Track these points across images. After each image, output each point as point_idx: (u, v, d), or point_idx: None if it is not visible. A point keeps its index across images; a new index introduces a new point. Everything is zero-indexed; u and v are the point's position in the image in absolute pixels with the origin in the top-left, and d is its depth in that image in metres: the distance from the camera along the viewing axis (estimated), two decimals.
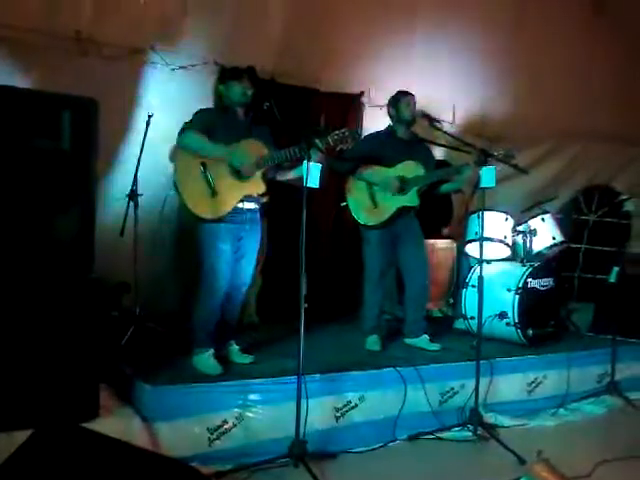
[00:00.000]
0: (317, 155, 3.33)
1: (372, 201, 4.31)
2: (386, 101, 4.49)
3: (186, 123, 3.58)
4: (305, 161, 3.21)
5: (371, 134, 4.54)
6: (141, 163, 4.28)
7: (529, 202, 5.53)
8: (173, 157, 4.44)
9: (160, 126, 4.39)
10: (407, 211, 4.32)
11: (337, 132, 3.43)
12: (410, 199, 4.28)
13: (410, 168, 4.29)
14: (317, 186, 3.23)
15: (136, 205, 4.25)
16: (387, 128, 4.47)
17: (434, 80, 5.67)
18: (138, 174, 4.27)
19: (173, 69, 4.78)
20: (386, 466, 3.35)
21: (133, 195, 4.25)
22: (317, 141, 3.34)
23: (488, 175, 3.72)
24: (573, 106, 6.43)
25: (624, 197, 5.64)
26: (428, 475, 3.31)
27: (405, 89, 4.40)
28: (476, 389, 3.74)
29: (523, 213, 5.28)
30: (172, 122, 4.33)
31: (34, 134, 2.81)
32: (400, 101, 4.34)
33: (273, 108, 3.35)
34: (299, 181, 3.48)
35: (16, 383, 2.71)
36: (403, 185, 4.25)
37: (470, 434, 3.70)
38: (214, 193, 3.51)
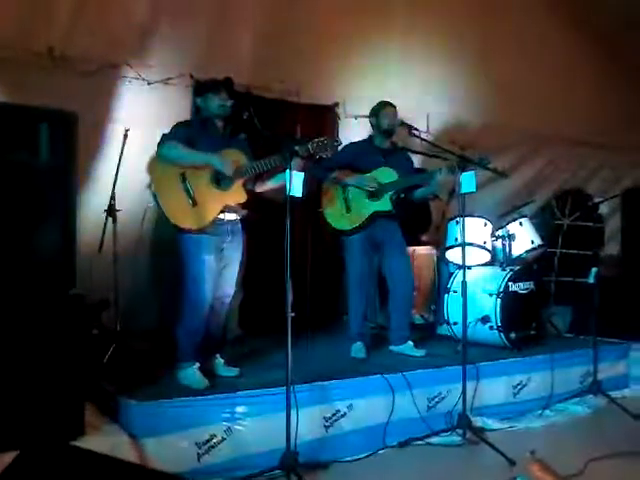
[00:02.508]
0: (297, 163, 3.32)
1: (346, 207, 4.36)
2: (361, 112, 4.52)
3: (165, 134, 3.55)
4: (287, 170, 3.17)
5: (350, 143, 4.56)
6: (119, 178, 4.24)
7: (505, 208, 5.59)
8: (150, 169, 4.41)
9: (137, 141, 4.35)
10: (382, 217, 4.34)
11: (317, 140, 3.42)
12: (383, 204, 4.31)
13: (384, 174, 4.33)
14: (300, 195, 3.18)
15: (114, 220, 4.20)
16: (367, 137, 4.52)
17: (408, 89, 5.71)
18: (116, 189, 4.22)
19: (149, 83, 4.74)
20: (378, 474, 3.33)
21: (111, 210, 4.20)
22: (297, 148, 3.34)
23: (468, 180, 3.75)
24: (547, 113, 6.52)
25: (598, 200, 5.70)
26: None
27: (385, 99, 4.44)
28: (463, 393, 3.74)
29: (501, 218, 5.33)
30: (149, 137, 4.30)
31: (11, 148, 2.75)
32: (380, 111, 4.39)
33: (253, 117, 3.34)
34: (279, 191, 3.47)
35: None
36: (377, 189, 4.28)
37: (459, 438, 3.70)
38: (194, 203, 3.48)
